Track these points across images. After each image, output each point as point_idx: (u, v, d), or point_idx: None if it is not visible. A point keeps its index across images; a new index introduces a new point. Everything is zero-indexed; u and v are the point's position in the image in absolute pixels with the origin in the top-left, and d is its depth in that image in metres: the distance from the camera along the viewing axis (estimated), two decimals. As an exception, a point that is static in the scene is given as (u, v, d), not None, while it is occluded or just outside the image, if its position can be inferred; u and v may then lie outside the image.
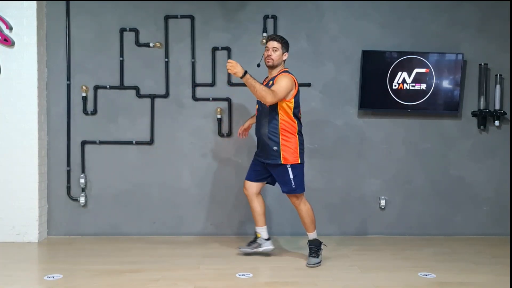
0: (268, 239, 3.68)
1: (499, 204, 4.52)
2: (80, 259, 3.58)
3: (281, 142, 3.38)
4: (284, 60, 3.52)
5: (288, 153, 3.38)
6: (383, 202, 4.47)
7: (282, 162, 3.40)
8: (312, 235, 3.57)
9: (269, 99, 3.26)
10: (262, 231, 3.67)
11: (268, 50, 3.45)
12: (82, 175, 4.35)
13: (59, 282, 3.05)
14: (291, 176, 3.41)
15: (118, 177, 4.39)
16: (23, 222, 4.12)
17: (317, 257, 3.48)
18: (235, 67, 3.28)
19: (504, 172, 4.52)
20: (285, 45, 3.50)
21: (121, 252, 3.83)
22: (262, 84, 3.42)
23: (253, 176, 3.64)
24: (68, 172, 4.37)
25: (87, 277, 3.15)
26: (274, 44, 3.44)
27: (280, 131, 3.38)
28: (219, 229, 4.43)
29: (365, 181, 4.49)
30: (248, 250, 3.68)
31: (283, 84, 3.32)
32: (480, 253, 3.87)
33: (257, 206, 3.65)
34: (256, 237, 3.69)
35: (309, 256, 3.50)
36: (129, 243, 4.12)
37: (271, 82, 3.46)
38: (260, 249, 3.66)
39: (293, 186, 3.42)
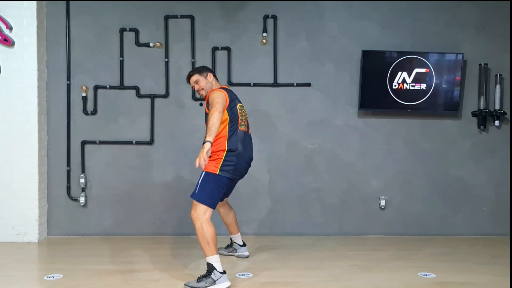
0: (243, 245, 3.75)
1: (499, 204, 4.52)
2: (80, 259, 3.58)
3: None
4: (213, 79, 3.37)
5: None
6: (383, 202, 4.47)
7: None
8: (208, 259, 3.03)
9: (215, 115, 2.96)
10: (236, 238, 3.76)
11: (194, 87, 3.36)
12: (82, 175, 4.36)
13: (59, 282, 3.05)
14: None
15: (118, 177, 4.39)
16: (23, 222, 4.12)
17: (198, 281, 2.96)
18: (201, 157, 2.83)
19: (504, 172, 4.52)
20: (201, 71, 3.36)
21: (121, 252, 3.83)
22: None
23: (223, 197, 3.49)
24: (68, 172, 4.37)
25: (87, 277, 3.15)
26: (192, 79, 3.35)
27: None
28: (218, 229, 4.40)
29: (365, 181, 4.49)
30: (224, 253, 3.76)
31: (213, 97, 3.10)
32: (480, 253, 3.87)
33: (226, 217, 3.75)
34: (231, 242, 3.80)
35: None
36: (129, 243, 4.12)
37: (205, 102, 3.33)
38: (235, 254, 3.75)
39: None
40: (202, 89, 3.34)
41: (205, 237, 3.01)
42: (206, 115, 3.23)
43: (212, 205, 3.09)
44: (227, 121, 3.15)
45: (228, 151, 3.11)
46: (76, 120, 4.37)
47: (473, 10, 4.44)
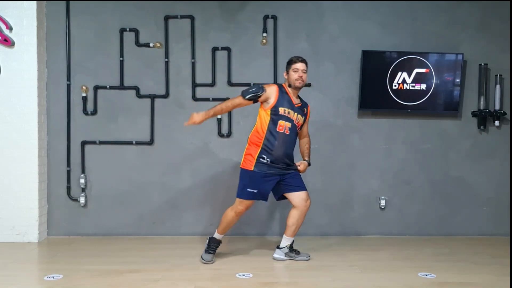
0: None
1: (499, 204, 4.52)
2: (80, 259, 3.58)
3: None
4: None
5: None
6: (383, 202, 4.47)
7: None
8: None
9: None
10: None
11: (298, 71, 3.43)
12: (82, 175, 4.36)
13: (59, 282, 3.05)
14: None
15: (118, 177, 4.39)
16: (23, 222, 4.12)
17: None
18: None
19: (504, 172, 4.52)
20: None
21: (121, 252, 3.83)
22: (296, 105, 3.48)
23: (260, 197, 3.49)
24: (68, 172, 4.37)
25: (87, 277, 3.15)
26: (304, 66, 3.46)
27: None
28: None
29: (365, 181, 4.49)
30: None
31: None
32: (479, 253, 3.87)
33: None
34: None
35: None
36: (129, 243, 4.12)
37: (305, 109, 3.55)
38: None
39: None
40: (303, 81, 3.46)
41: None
42: (302, 125, 3.58)
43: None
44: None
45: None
46: (76, 120, 4.37)
47: (473, 10, 4.45)
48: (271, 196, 4.51)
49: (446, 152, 4.51)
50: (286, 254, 3.62)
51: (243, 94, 3.41)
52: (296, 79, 3.43)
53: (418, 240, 4.34)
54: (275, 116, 3.39)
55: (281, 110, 3.38)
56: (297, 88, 3.47)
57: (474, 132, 4.52)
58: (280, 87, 3.49)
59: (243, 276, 3.18)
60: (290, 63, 3.49)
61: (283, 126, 3.39)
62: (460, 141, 4.52)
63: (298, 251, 3.65)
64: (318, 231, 4.46)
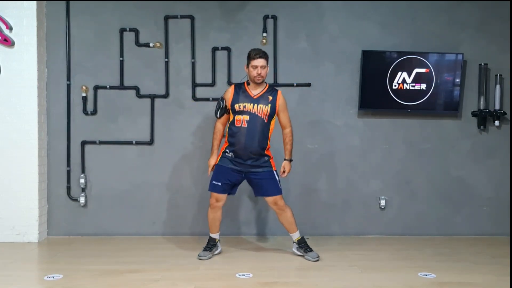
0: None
1: (499, 204, 4.52)
2: (80, 259, 3.58)
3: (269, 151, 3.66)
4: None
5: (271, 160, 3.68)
6: (383, 202, 4.47)
7: (274, 169, 3.65)
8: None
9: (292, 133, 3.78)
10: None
11: (257, 68, 3.47)
12: (82, 175, 4.36)
13: (59, 282, 3.05)
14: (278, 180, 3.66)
15: (118, 177, 4.39)
16: (23, 222, 4.12)
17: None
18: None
19: (504, 172, 4.52)
20: (268, 58, 3.57)
21: (121, 252, 3.83)
22: (255, 97, 3.54)
23: (227, 189, 3.60)
24: (68, 172, 4.37)
25: (87, 277, 3.15)
26: (263, 62, 3.49)
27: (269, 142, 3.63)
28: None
29: (365, 181, 4.49)
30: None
31: (286, 105, 3.68)
32: (480, 253, 3.87)
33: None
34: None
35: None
36: (129, 243, 4.12)
37: (270, 97, 3.54)
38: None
39: (280, 187, 3.65)
40: (262, 76, 3.50)
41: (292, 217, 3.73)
42: (272, 113, 3.55)
43: None
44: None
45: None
46: (76, 120, 4.37)
47: (473, 10, 4.44)
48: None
49: (446, 152, 4.51)
50: (297, 248, 3.73)
51: (216, 116, 3.63)
52: (255, 76, 3.50)
53: (418, 240, 4.34)
54: (234, 113, 3.56)
55: (237, 106, 3.53)
56: (258, 84, 3.54)
57: (474, 132, 4.52)
58: (238, 85, 3.62)
59: (243, 276, 3.18)
60: (248, 58, 3.54)
61: (240, 120, 3.53)
62: (460, 141, 4.52)
63: (310, 249, 3.67)
64: (318, 231, 4.46)
